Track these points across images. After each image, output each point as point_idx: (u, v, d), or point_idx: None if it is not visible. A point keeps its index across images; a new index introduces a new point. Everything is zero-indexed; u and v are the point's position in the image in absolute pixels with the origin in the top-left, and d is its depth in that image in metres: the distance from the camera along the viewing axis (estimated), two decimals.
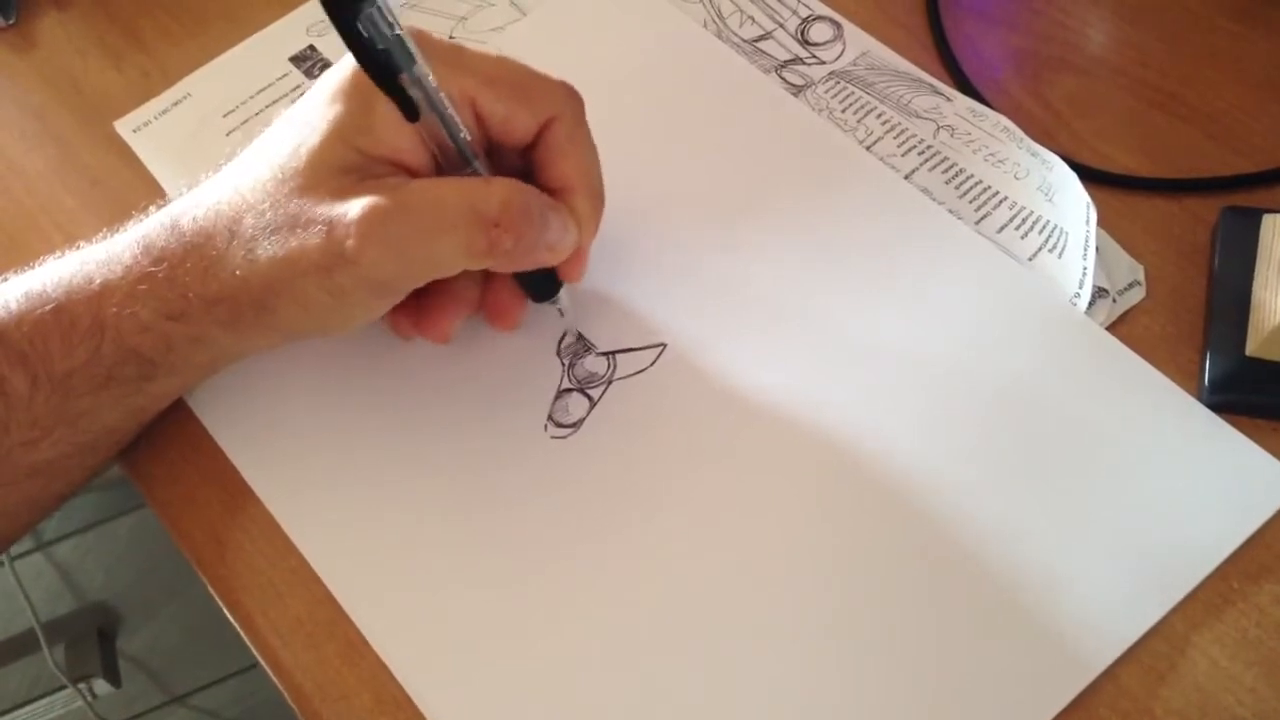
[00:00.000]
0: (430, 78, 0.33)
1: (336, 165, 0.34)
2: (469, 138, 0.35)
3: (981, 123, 0.45)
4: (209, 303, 0.35)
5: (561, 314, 0.40)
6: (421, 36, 0.35)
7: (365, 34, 0.31)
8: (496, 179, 0.35)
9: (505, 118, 0.36)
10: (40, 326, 0.35)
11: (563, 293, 0.39)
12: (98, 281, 0.36)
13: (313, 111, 0.35)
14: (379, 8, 0.31)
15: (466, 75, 0.35)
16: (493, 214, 0.34)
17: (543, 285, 0.39)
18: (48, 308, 0.35)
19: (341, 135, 0.34)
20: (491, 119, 0.36)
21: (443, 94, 0.34)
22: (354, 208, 0.33)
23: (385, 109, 0.33)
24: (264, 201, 0.34)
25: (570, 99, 0.37)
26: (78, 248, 0.38)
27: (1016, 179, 0.43)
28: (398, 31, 0.32)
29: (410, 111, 0.33)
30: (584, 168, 0.37)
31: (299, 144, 0.35)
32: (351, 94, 0.35)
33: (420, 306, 0.39)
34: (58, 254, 0.38)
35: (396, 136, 0.34)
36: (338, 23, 0.31)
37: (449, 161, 0.35)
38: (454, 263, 0.35)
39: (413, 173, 0.35)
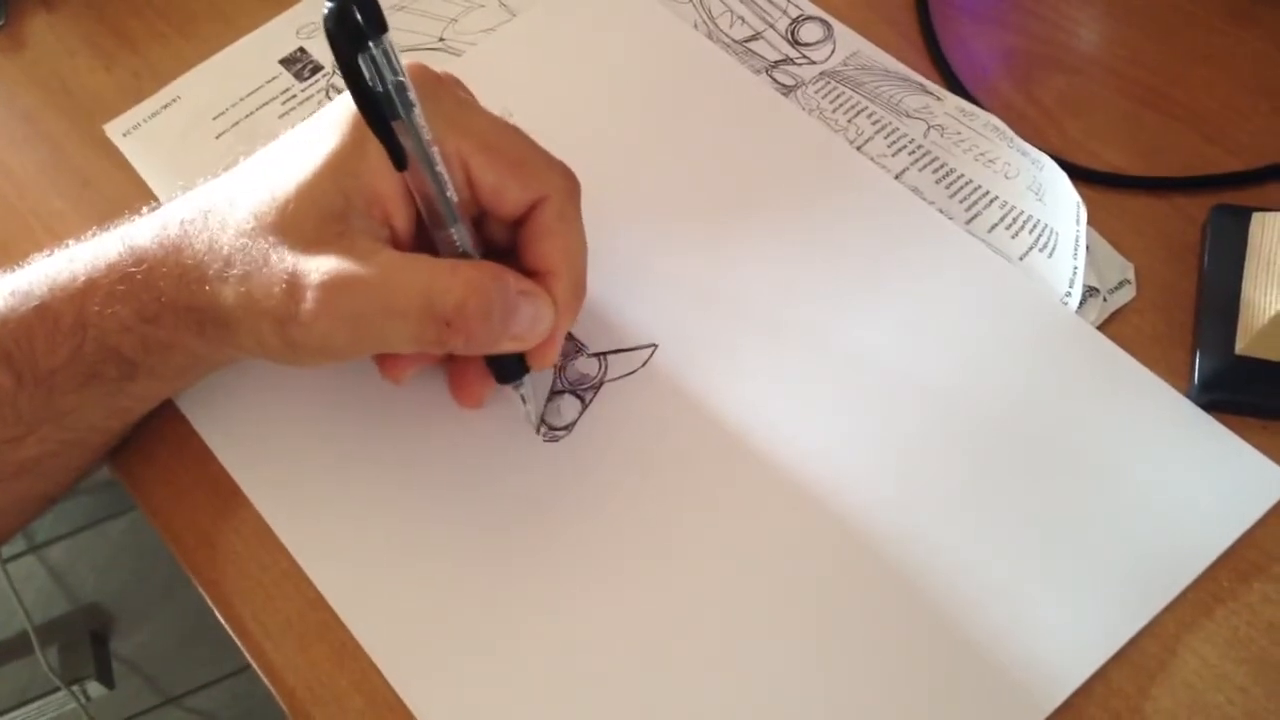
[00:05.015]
0: (425, 130, 0.32)
1: (319, 209, 0.34)
2: (455, 198, 0.34)
3: (972, 122, 0.45)
4: (179, 310, 0.35)
5: (524, 401, 0.39)
6: (434, 84, 0.34)
7: (366, 73, 0.30)
8: (464, 267, 0.34)
9: (495, 188, 0.35)
10: (25, 324, 0.35)
11: (527, 379, 0.38)
12: (82, 278, 0.36)
13: (314, 138, 0.35)
14: (386, 50, 0.30)
15: (464, 136, 0.34)
16: (446, 313, 0.33)
17: (507, 367, 0.37)
18: (32, 305, 0.35)
19: (332, 172, 0.34)
20: (481, 185, 0.35)
21: (435, 149, 0.33)
22: (316, 272, 0.33)
23: (376, 152, 0.33)
24: (248, 223, 0.34)
25: (566, 180, 0.36)
26: (66, 246, 0.37)
27: (1007, 178, 0.43)
28: (400, 78, 0.31)
29: (398, 159, 0.32)
30: (569, 253, 0.36)
31: (292, 172, 0.34)
32: (350, 130, 0.34)
33: None
34: (46, 252, 0.37)
35: (383, 182, 0.34)
36: (340, 56, 0.30)
37: (432, 218, 0.34)
38: (404, 347, 0.34)
39: (394, 225, 0.35)
